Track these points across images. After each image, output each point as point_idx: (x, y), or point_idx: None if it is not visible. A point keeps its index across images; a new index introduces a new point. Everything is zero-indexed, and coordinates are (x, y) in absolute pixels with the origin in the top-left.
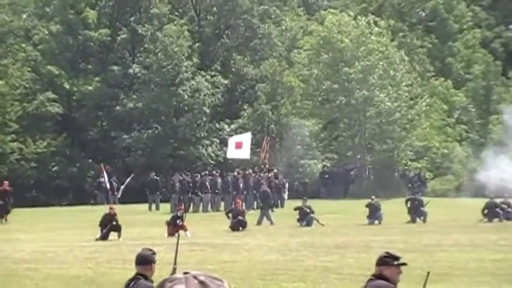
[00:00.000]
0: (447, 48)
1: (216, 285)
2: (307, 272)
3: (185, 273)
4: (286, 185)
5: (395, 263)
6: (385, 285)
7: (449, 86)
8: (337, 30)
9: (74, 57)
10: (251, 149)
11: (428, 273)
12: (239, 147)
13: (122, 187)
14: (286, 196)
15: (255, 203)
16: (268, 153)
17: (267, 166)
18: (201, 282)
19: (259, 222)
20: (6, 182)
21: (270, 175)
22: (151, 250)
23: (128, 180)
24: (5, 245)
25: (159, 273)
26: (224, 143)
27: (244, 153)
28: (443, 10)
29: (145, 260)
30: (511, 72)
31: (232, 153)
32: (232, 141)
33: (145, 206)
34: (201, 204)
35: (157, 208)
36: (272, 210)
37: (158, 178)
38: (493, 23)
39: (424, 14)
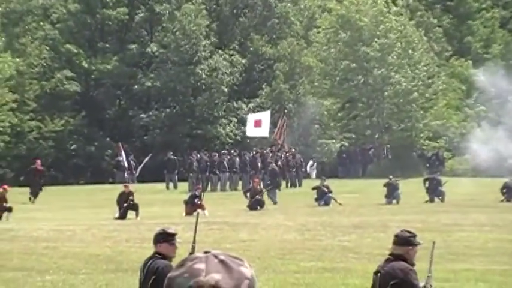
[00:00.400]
0: (466, 27)
1: (236, 264)
2: (325, 251)
3: (205, 252)
4: (310, 163)
5: (413, 242)
6: (404, 267)
7: (469, 65)
8: (355, 8)
9: (92, 35)
10: (270, 127)
11: (434, 242)
12: (258, 125)
13: (140, 166)
14: (313, 173)
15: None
16: (284, 133)
17: (281, 145)
18: (221, 261)
19: (275, 202)
20: (38, 161)
21: (288, 154)
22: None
23: (146, 159)
24: (24, 224)
25: (177, 251)
26: (242, 122)
27: (264, 131)
28: None
29: (162, 238)
30: None
31: (251, 131)
32: (251, 119)
33: (163, 185)
34: (219, 183)
35: (175, 187)
36: (279, 190)
37: (176, 157)
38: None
39: None
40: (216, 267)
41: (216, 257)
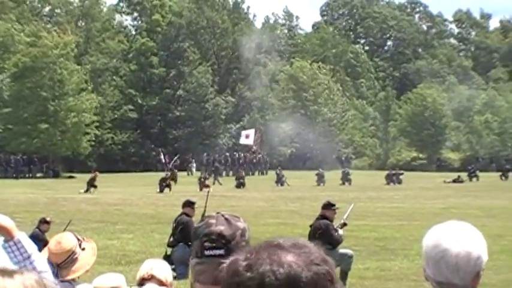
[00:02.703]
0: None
1: (235, 220)
2: (280, 213)
3: (217, 213)
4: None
5: (333, 208)
6: (326, 223)
7: (366, 104)
8: (299, 70)
9: (144, 84)
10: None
11: (353, 204)
12: (247, 137)
13: (172, 162)
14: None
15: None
16: (258, 143)
17: (256, 150)
18: (225, 218)
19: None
20: (97, 173)
21: (260, 155)
22: (191, 200)
23: (175, 158)
24: (102, 195)
25: (195, 212)
26: (233, 136)
27: (250, 141)
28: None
29: (187, 205)
30: (402, 97)
31: (243, 140)
32: (243, 133)
33: (185, 173)
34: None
35: (192, 174)
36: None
37: (192, 158)
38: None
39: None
40: (221, 221)
41: (222, 215)
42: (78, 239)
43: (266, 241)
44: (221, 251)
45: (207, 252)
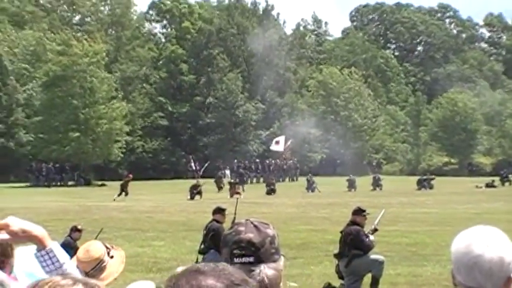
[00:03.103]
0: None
1: (264, 227)
2: (311, 219)
3: (246, 220)
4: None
5: (363, 214)
6: (357, 229)
7: (397, 109)
8: (329, 76)
9: (174, 91)
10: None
11: (384, 210)
12: (277, 144)
13: (202, 169)
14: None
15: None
16: (289, 149)
17: (287, 156)
18: (254, 225)
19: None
20: (130, 175)
21: (290, 162)
22: (221, 206)
23: (206, 165)
24: (134, 202)
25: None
26: (262, 142)
27: (280, 147)
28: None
29: (218, 211)
30: (433, 102)
31: (273, 147)
32: (274, 140)
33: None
34: (249, 179)
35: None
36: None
37: (222, 166)
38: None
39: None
40: (251, 229)
41: (251, 222)
42: (107, 247)
43: (186, 268)
44: (251, 259)
45: (236, 260)
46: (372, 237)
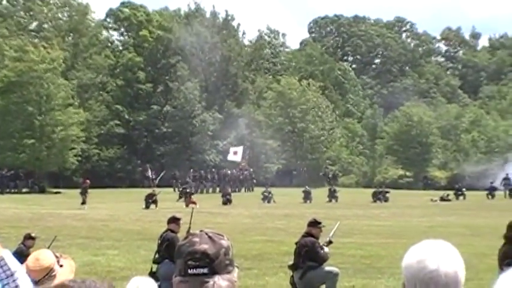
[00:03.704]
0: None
1: (218, 238)
2: (267, 230)
3: (200, 230)
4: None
5: (319, 225)
6: (312, 241)
7: (354, 122)
8: (288, 87)
9: (131, 100)
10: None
11: (338, 222)
12: (235, 154)
13: (158, 178)
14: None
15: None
16: (246, 160)
17: (244, 167)
18: (209, 237)
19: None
20: (87, 181)
21: (246, 172)
22: (176, 216)
23: (162, 174)
24: (89, 211)
25: (180, 229)
26: (219, 152)
27: (238, 158)
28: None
29: (172, 221)
30: (389, 115)
31: (230, 157)
32: (231, 150)
33: (171, 189)
34: (205, 189)
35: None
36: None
37: (178, 173)
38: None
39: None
40: (205, 240)
41: (206, 233)
42: (56, 256)
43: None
44: (205, 270)
45: (190, 271)
46: (326, 249)
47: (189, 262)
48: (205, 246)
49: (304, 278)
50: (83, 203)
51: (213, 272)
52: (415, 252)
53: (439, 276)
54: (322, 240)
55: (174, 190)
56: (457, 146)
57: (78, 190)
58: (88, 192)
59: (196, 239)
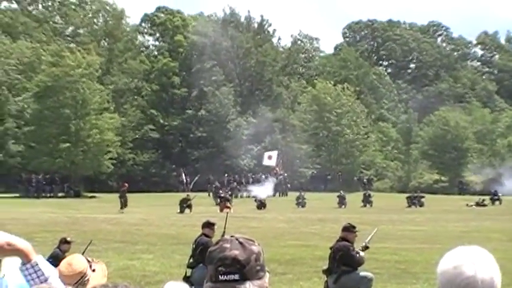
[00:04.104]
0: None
1: (249, 244)
2: (301, 234)
3: (231, 236)
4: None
5: (353, 230)
6: (347, 245)
7: (389, 126)
8: (322, 91)
9: (166, 104)
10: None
11: (377, 229)
12: (270, 158)
13: (193, 182)
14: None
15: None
16: (280, 164)
17: (279, 172)
18: (240, 242)
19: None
20: (126, 184)
21: (281, 177)
22: (211, 220)
23: (196, 178)
24: (124, 215)
25: (215, 233)
26: (253, 157)
27: (273, 162)
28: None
29: (207, 225)
30: (424, 119)
31: (265, 161)
32: (266, 154)
33: (206, 194)
34: (239, 193)
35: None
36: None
37: (212, 178)
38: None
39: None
40: (236, 246)
41: (237, 239)
42: (88, 261)
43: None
44: (236, 276)
45: (221, 277)
46: (362, 254)
47: (220, 268)
48: (236, 252)
49: (339, 282)
50: (123, 206)
51: (244, 278)
52: (451, 258)
53: (475, 283)
54: (357, 246)
55: (209, 195)
56: (492, 150)
57: (114, 194)
58: (126, 196)
59: (227, 245)
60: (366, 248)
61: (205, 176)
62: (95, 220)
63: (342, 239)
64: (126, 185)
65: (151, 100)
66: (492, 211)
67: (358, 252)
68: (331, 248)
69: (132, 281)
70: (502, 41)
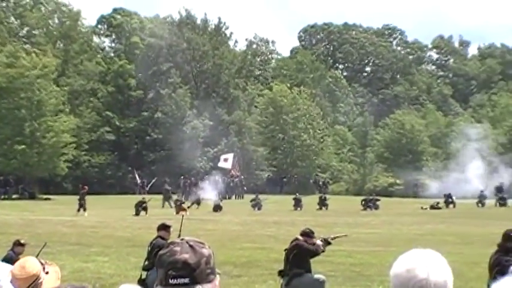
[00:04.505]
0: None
1: (199, 247)
2: (256, 237)
3: (181, 239)
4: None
5: (313, 235)
6: (300, 242)
7: (345, 130)
8: (279, 94)
9: (121, 106)
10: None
11: (331, 238)
12: (226, 161)
13: (149, 185)
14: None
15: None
16: (236, 167)
17: (235, 174)
18: (190, 245)
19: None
20: (86, 187)
21: (237, 180)
22: (165, 223)
23: (153, 181)
24: (79, 217)
25: (170, 236)
26: (210, 160)
27: (228, 165)
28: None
29: (162, 228)
30: (380, 123)
31: (221, 164)
32: (222, 157)
33: (161, 196)
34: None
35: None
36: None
37: (168, 180)
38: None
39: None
40: (186, 249)
41: (187, 242)
42: (42, 263)
43: None
44: (186, 280)
45: (171, 281)
46: (319, 242)
47: (170, 272)
48: (186, 256)
49: (290, 285)
50: (81, 209)
51: (195, 282)
52: (404, 261)
53: (428, 285)
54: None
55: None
56: (447, 154)
57: (69, 196)
58: (85, 199)
59: (177, 248)
60: (327, 242)
61: (161, 178)
62: (49, 222)
63: (297, 239)
64: (86, 187)
65: (107, 102)
66: (446, 214)
67: (314, 243)
68: (285, 250)
69: (87, 283)
70: (456, 45)
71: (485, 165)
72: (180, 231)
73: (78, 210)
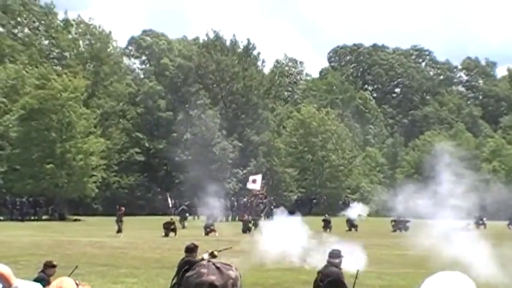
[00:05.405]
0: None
1: (226, 269)
2: (284, 259)
3: (208, 261)
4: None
5: (341, 255)
6: (337, 271)
7: (375, 151)
8: (307, 115)
9: (150, 128)
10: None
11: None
12: (254, 182)
13: (180, 208)
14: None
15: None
16: (265, 188)
17: (263, 194)
18: (217, 267)
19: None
20: (122, 208)
21: (265, 200)
22: (194, 243)
23: (186, 203)
24: (108, 238)
25: (199, 257)
26: (239, 180)
27: (257, 186)
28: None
29: (189, 249)
30: (410, 143)
31: (250, 185)
32: (250, 178)
33: (191, 218)
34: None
35: (199, 218)
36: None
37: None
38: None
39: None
40: (213, 271)
41: (213, 264)
42: (76, 284)
43: None
44: None
45: None
46: (206, 256)
47: None
48: (212, 278)
49: None
50: (119, 231)
51: None
52: (430, 284)
53: None
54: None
55: (194, 218)
56: (477, 175)
57: (98, 218)
58: (123, 220)
59: (204, 270)
60: (213, 256)
61: (191, 199)
62: (79, 243)
63: (330, 264)
64: (123, 208)
65: (136, 123)
66: (478, 235)
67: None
68: (318, 273)
69: None
70: (485, 65)
71: None
72: (212, 251)
73: (118, 231)
